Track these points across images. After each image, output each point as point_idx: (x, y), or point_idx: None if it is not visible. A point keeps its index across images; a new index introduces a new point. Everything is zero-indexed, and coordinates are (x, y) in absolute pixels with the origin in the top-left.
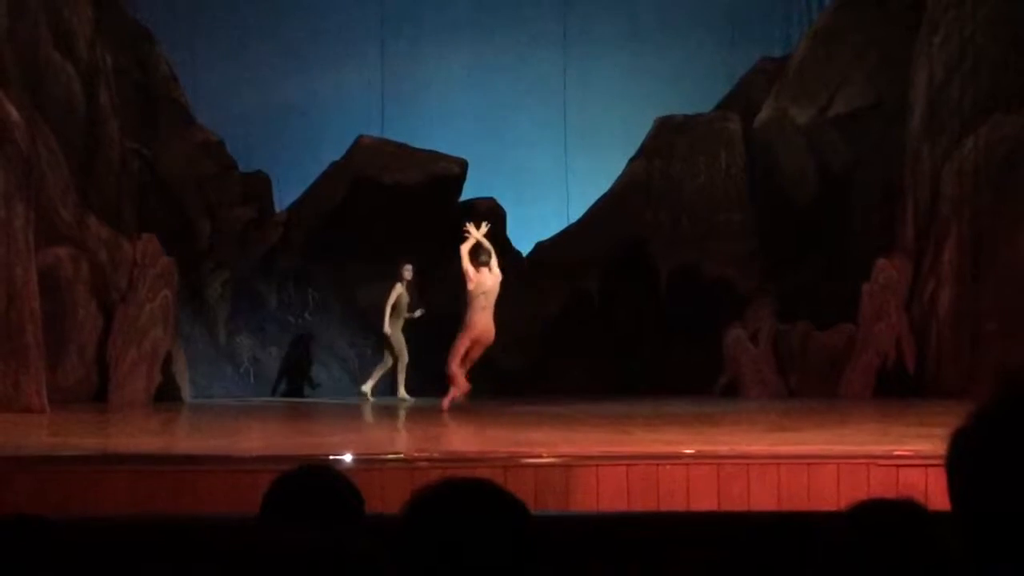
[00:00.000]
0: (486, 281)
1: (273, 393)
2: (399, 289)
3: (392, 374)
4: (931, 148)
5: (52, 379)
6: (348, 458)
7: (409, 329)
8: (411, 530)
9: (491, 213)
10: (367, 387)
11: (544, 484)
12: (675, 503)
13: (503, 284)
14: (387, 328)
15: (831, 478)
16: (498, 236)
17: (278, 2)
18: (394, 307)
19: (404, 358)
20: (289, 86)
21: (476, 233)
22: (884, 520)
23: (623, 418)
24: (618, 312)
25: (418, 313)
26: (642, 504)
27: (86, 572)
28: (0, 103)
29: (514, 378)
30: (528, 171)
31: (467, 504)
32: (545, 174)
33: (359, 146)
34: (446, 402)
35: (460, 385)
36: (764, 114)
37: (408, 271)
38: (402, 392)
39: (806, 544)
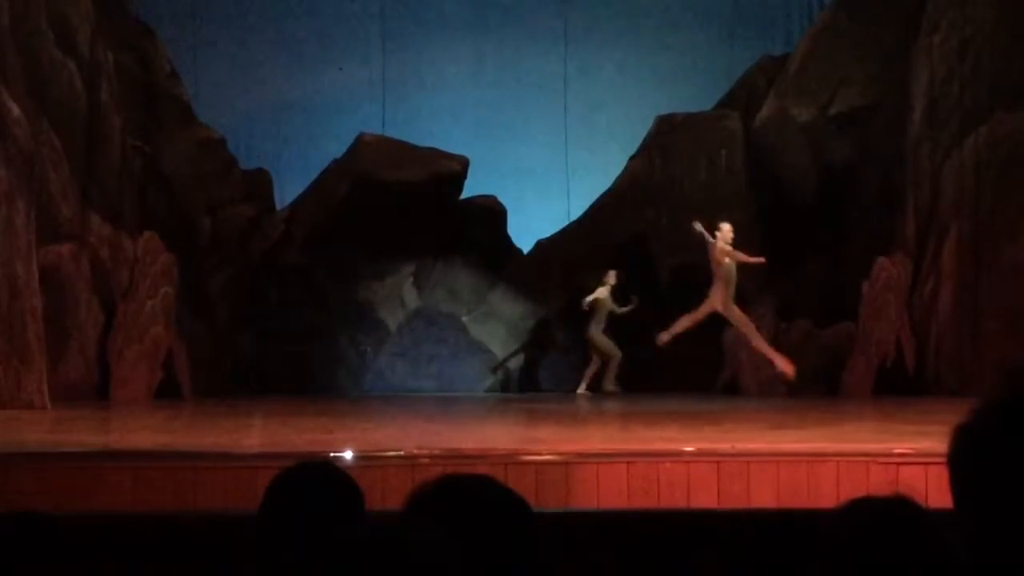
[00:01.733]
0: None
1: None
2: (603, 293)
3: (601, 372)
4: (932, 146)
5: (53, 376)
6: (349, 455)
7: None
8: (412, 526)
9: (491, 211)
10: (581, 389)
11: (544, 481)
12: (675, 500)
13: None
14: (591, 331)
15: (831, 476)
16: (498, 234)
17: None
18: (596, 310)
19: (616, 354)
20: (290, 83)
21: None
22: (875, 517)
23: (623, 415)
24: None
25: (627, 308)
26: (642, 501)
27: (87, 568)
28: (1, 100)
29: (514, 374)
30: (529, 169)
31: (468, 500)
32: (546, 172)
33: (360, 144)
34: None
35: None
36: (765, 112)
37: (612, 277)
38: (608, 385)
39: (805, 541)
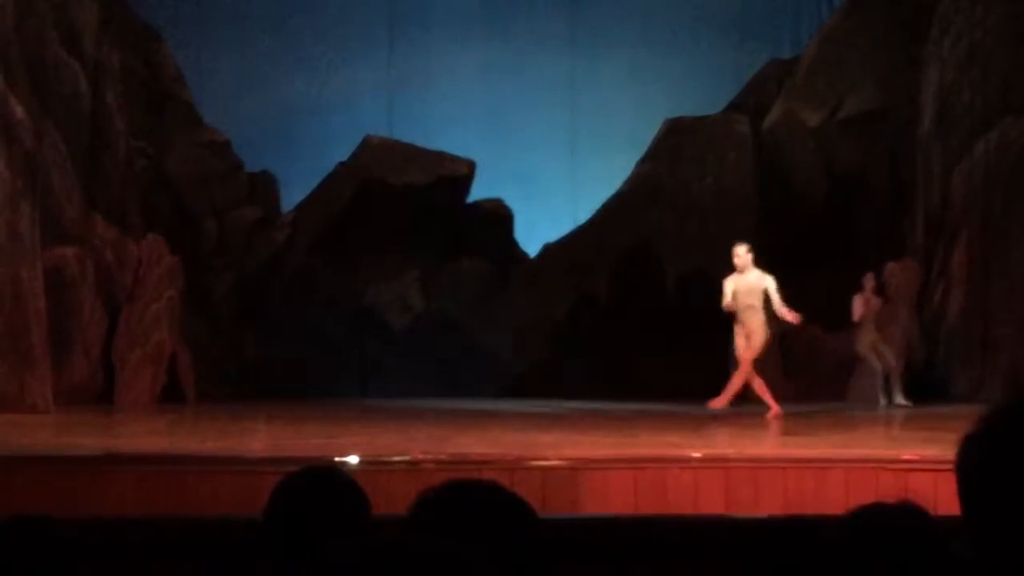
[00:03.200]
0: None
1: None
2: (859, 301)
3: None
4: (941, 151)
5: (57, 379)
6: (354, 460)
7: None
8: (416, 532)
9: (498, 214)
10: (899, 399)
11: (551, 487)
12: (682, 507)
13: None
14: (858, 346)
15: (839, 482)
16: (504, 238)
17: (286, 1)
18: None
19: (885, 366)
20: (296, 85)
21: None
22: (884, 524)
23: (630, 421)
24: (625, 314)
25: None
26: (649, 508)
27: (90, 572)
28: (6, 101)
29: (521, 380)
30: (536, 172)
31: (473, 506)
32: (553, 175)
33: (366, 146)
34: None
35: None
36: (773, 116)
37: (870, 279)
38: (898, 398)
39: (814, 548)
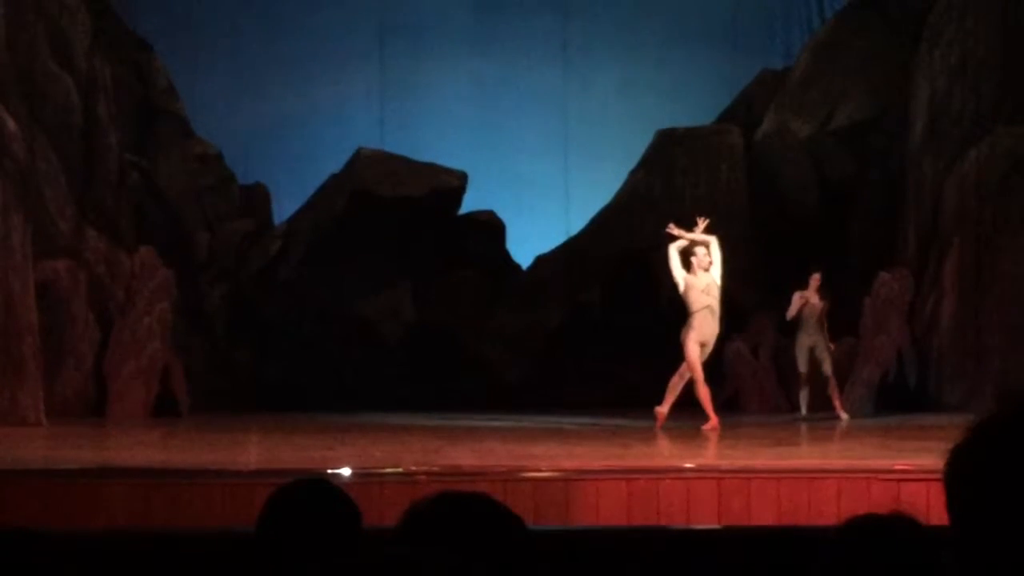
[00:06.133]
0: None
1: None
2: (798, 299)
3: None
4: (933, 161)
5: (49, 392)
6: (346, 472)
7: None
8: (407, 544)
9: (490, 226)
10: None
11: (544, 498)
12: (675, 518)
13: None
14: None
15: (832, 493)
16: (497, 249)
17: (277, 14)
18: (802, 319)
19: (801, 372)
20: (288, 98)
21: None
22: (876, 535)
23: (623, 432)
24: (618, 325)
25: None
26: (642, 519)
27: None
28: None
29: (514, 391)
30: (528, 183)
31: (462, 518)
32: (545, 186)
33: (358, 158)
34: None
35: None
36: (765, 126)
37: (816, 280)
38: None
39: (806, 559)
